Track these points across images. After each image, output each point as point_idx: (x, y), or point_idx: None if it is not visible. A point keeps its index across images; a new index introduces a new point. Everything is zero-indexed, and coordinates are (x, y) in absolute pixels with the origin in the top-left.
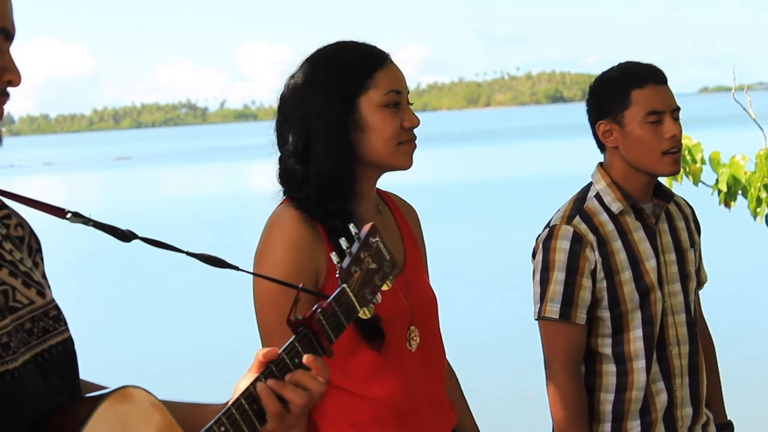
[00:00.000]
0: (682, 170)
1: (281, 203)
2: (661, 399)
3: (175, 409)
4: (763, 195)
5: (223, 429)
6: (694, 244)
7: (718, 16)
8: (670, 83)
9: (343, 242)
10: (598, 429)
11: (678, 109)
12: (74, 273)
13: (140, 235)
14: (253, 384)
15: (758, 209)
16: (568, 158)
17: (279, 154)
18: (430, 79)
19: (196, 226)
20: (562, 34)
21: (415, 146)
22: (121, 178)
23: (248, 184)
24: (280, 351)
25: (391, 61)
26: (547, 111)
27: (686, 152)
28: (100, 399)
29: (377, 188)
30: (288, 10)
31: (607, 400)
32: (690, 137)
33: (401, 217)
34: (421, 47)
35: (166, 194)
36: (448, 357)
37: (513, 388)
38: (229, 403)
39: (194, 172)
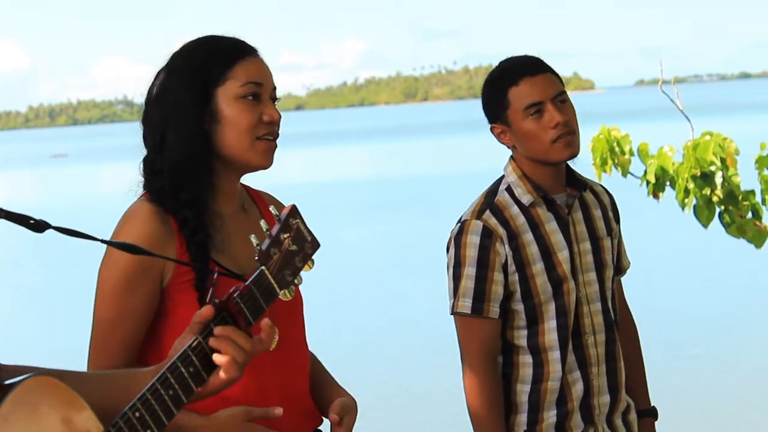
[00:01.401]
0: (610, 161)
1: (139, 197)
2: (578, 388)
3: (101, 383)
4: (691, 186)
5: (156, 395)
6: (612, 232)
7: (655, 10)
8: (607, 77)
9: (263, 224)
10: (515, 420)
11: (561, 92)
12: None
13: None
14: (192, 343)
15: (686, 200)
16: (505, 152)
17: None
18: (368, 74)
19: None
20: (499, 27)
21: (275, 145)
22: (58, 175)
23: None
24: (196, 335)
25: (257, 55)
26: None
27: (615, 144)
28: (10, 387)
29: (249, 187)
30: (226, 5)
31: (523, 390)
32: (619, 129)
33: (270, 217)
34: (359, 42)
35: (103, 191)
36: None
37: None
38: (164, 368)
39: (132, 168)
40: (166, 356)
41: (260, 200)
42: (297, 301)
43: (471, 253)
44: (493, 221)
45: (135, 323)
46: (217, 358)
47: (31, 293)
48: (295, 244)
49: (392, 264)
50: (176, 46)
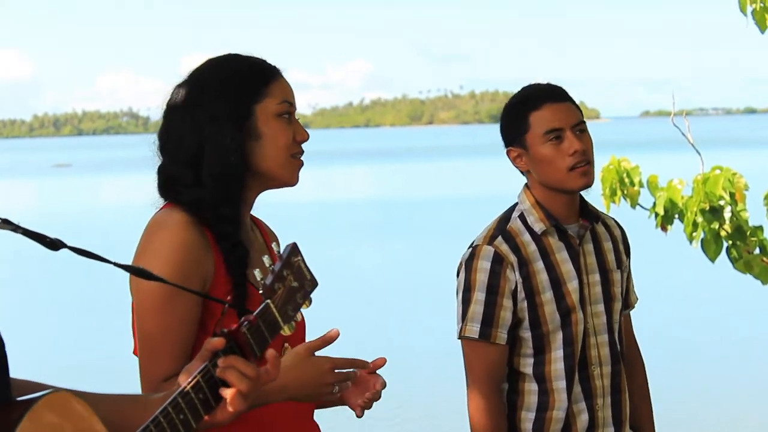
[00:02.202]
0: (619, 192)
1: (162, 208)
2: (582, 419)
3: (111, 404)
4: (699, 219)
5: (168, 419)
6: (621, 265)
7: (660, 42)
8: (612, 107)
9: (266, 260)
10: None
11: (581, 122)
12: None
13: (70, 244)
14: (203, 370)
15: (694, 233)
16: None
17: (160, 162)
18: (374, 95)
19: (133, 236)
20: (506, 53)
21: (303, 163)
22: (60, 185)
23: None
24: (205, 363)
25: (282, 75)
26: (489, 130)
27: (624, 175)
28: (30, 403)
29: None
30: (231, 22)
31: (527, 418)
32: (629, 160)
33: (268, 240)
34: (366, 63)
35: (105, 203)
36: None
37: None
38: (175, 393)
39: (134, 180)
40: None
41: (258, 222)
42: (301, 325)
43: (481, 278)
44: (504, 247)
45: (183, 332)
46: (224, 391)
47: (35, 307)
48: (297, 281)
49: (395, 285)
50: (190, 62)
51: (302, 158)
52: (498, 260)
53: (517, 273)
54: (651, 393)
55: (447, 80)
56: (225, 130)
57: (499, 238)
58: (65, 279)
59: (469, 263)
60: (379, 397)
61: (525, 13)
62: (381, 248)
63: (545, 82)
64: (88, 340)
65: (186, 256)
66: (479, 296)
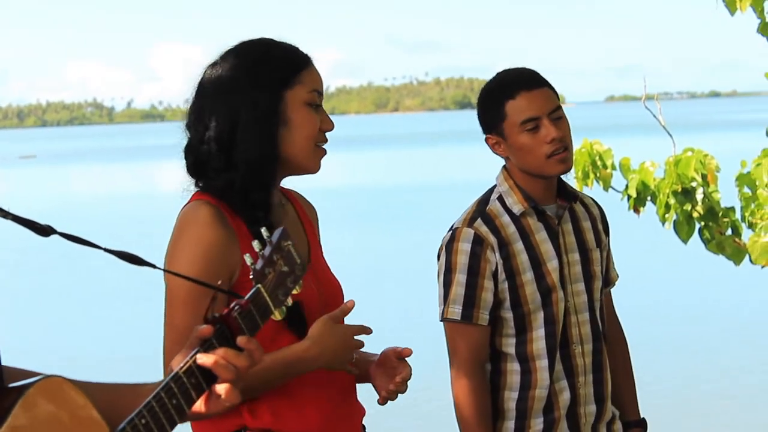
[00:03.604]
0: (592, 175)
1: (192, 199)
2: (564, 397)
3: (104, 392)
4: (672, 201)
5: (160, 403)
6: (601, 244)
7: (626, 27)
8: (576, 92)
9: (255, 245)
10: (502, 426)
11: (557, 108)
12: None
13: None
14: (195, 355)
15: (666, 215)
16: (474, 163)
17: (188, 141)
18: (339, 83)
19: (101, 226)
20: (472, 41)
21: (326, 152)
22: (25, 176)
23: (155, 184)
24: (196, 348)
25: (313, 64)
26: (455, 117)
27: (597, 158)
28: (22, 390)
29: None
30: (202, 11)
31: (511, 398)
32: (601, 143)
33: (303, 213)
34: (333, 50)
35: (71, 193)
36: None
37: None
38: (167, 379)
39: (101, 170)
40: None
41: (291, 197)
42: (340, 292)
43: (462, 260)
44: (484, 229)
45: None
46: (217, 387)
47: (26, 297)
48: (287, 265)
49: (366, 271)
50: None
51: (325, 147)
52: (478, 242)
53: (498, 254)
54: (632, 368)
55: (413, 68)
56: (259, 116)
57: (479, 220)
58: (47, 268)
59: (449, 246)
60: (405, 389)
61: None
62: (350, 236)
63: (523, 66)
64: (72, 332)
65: (211, 254)
66: (460, 278)
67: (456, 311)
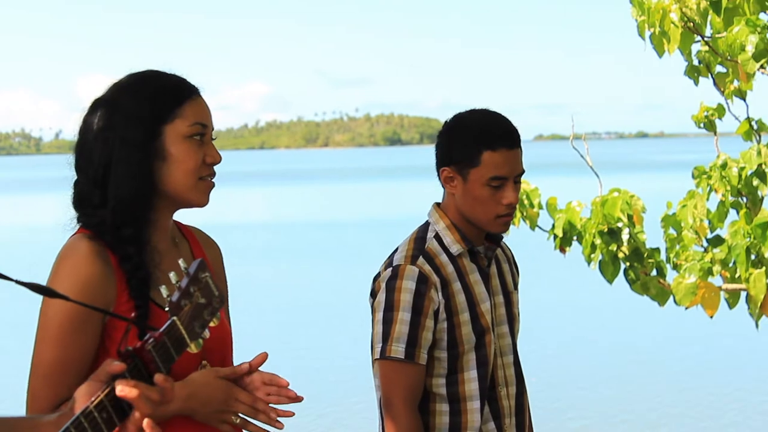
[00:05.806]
0: (519, 214)
1: (74, 234)
2: None
3: (4, 426)
4: (598, 241)
5: None
6: (517, 286)
7: (554, 67)
8: None
9: (172, 276)
10: None
11: (522, 173)
12: None
13: None
14: (106, 390)
15: (592, 255)
16: (403, 200)
17: (75, 177)
18: (270, 117)
19: (29, 256)
20: (403, 77)
21: (213, 185)
22: None
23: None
24: (107, 384)
25: (200, 95)
26: (384, 153)
27: (524, 197)
28: None
29: (176, 221)
30: (128, 43)
31: None
32: (528, 182)
33: (199, 250)
34: (262, 84)
35: None
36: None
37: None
38: (78, 413)
39: (27, 201)
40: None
41: (189, 234)
42: (228, 338)
43: (406, 298)
44: (427, 267)
45: (82, 363)
46: (143, 423)
47: None
48: (204, 297)
49: (290, 307)
50: (87, 83)
51: (213, 180)
52: (423, 280)
53: (440, 293)
54: (550, 413)
55: (343, 103)
56: (132, 153)
57: (421, 258)
58: None
59: (390, 283)
60: (292, 395)
61: (421, 39)
62: (276, 271)
63: (489, 112)
64: None
65: (88, 289)
66: (404, 316)
67: (399, 350)
